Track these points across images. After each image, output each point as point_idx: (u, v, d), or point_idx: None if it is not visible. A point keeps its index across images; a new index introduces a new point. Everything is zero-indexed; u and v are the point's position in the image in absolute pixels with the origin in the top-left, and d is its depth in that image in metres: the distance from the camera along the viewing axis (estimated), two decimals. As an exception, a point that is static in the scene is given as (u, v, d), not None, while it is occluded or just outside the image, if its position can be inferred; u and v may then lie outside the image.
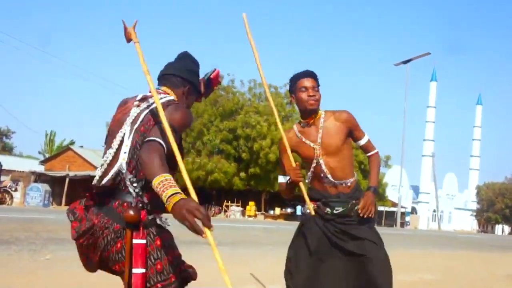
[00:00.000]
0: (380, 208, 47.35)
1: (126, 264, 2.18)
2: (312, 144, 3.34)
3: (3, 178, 19.91)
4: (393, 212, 47.59)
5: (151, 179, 2.01)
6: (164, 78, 2.57)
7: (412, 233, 27.25)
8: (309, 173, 3.42)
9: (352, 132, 3.44)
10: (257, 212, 32.50)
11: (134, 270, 2.16)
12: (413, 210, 64.77)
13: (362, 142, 3.54)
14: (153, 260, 2.21)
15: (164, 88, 2.52)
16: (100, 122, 78.91)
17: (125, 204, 2.21)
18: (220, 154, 31.92)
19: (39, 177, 31.51)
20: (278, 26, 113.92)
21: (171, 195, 1.93)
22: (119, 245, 2.20)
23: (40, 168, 34.44)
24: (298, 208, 37.13)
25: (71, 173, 30.52)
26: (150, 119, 2.33)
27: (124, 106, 2.45)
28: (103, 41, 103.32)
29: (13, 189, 19.97)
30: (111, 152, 2.33)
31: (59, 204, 29.54)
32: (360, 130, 3.50)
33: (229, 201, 32.84)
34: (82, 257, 2.40)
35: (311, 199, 3.39)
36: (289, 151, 3.35)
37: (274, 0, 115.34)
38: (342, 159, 3.40)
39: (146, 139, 2.20)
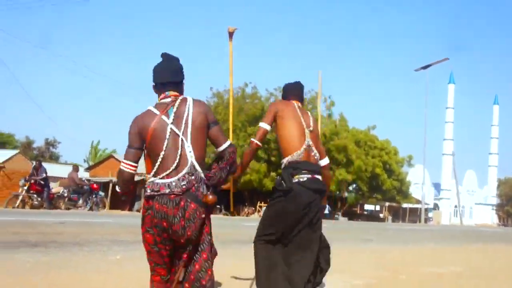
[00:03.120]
0: (404, 205, 47.18)
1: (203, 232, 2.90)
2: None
3: (51, 185, 20.63)
4: (416, 209, 47.39)
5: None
6: (173, 83, 3.02)
7: (437, 228, 27.22)
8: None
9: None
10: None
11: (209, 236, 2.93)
12: (435, 206, 64.19)
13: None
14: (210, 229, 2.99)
15: (173, 93, 3.00)
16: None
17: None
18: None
19: (85, 183, 32.30)
20: (299, 32, 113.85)
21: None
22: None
23: (85, 175, 35.32)
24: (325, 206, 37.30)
25: (114, 179, 31.23)
26: (191, 114, 2.91)
27: (149, 119, 2.90)
28: (146, 57, 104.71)
29: (65, 194, 20.61)
30: (175, 156, 2.84)
31: (103, 208, 30.25)
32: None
33: (262, 202, 33.20)
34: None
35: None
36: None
37: (293, 10, 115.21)
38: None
39: (212, 122, 2.96)
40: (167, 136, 2.86)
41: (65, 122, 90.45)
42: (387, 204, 45.21)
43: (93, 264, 5.87)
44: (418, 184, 45.23)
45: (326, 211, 36.73)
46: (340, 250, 9.65)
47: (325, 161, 3.98)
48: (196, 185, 2.85)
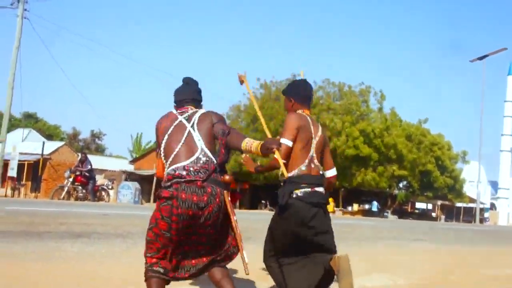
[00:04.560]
0: (458, 204, 46.15)
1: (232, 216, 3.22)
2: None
3: (96, 177, 21.23)
4: (471, 208, 46.22)
5: (239, 144, 3.14)
6: (191, 100, 3.50)
7: (494, 229, 26.54)
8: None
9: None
10: (335, 209, 32.62)
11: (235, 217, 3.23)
12: (492, 206, 62.44)
13: None
14: None
15: (191, 105, 3.47)
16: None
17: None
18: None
19: (129, 176, 33.10)
20: (350, 26, 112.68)
21: (258, 143, 3.08)
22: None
23: (130, 168, 36.14)
24: (374, 204, 36.94)
25: (159, 172, 31.81)
26: (200, 114, 3.36)
27: (163, 118, 3.41)
28: (187, 45, 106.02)
29: (110, 187, 21.15)
30: (185, 144, 3.22)
31: (148, 201, 30.87)
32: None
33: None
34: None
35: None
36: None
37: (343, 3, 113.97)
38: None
39: (228, 130, 3.24)
40: (172, 128, 3.31)
41: (110, 113, 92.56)
42: (439, 202, 44.30)
43: (136, 256, 6.01)
44: (473, 182, 44.04)
45: (375, 209, 36.53)
46: (389, 249, 9.58)
47: (331, 172, 3.96)
48: (213, 170, 3.16)
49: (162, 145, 3.29)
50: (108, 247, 6.38)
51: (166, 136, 3.28)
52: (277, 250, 3.73)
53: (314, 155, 3.77)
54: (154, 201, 31.49)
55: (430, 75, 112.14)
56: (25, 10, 23.33)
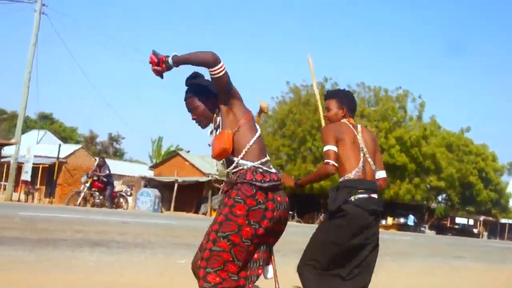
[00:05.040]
0: (503, 221, 45.35)
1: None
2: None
3: (114, 183, 21.45)
4: (517, 225, 45.45)
5: None
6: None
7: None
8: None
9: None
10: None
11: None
12: (541, 223, 61.29)
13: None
14: None
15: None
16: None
17: None
18: (324, 160, 31.99)
19: (149, 182, 33.36)
20: (381, 32, 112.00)
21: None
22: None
23: (150, 173, 36.41)
24: (410, 218, 36.55)
25: (180, 179, 31.96)
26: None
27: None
28: (214, 48, 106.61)
29: (129, 193, 21.37)
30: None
31: (168, 209, 31.03)
32: None
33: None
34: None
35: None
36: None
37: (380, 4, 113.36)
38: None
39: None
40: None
41: (130, 116, 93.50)
42: (482, 218, 43.65)
43: (156, 266, 6.08)
44: (520, 196, 43.31)
45: (412, 223, 36.16)
46: (424, 267, 9.48)
47: (381, 174, 3.94)
48: None
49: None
50: (127, 257, 6.46)
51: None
52: (323, 262, 3.68)
53: (369, 159, 3.78)
54: (175, 210, 31.77)
55: (475, 81, 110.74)
56: (44, 5, 23.75)
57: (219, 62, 2.94)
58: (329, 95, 4.04)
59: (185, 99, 3.26)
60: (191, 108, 3.23)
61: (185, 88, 3.29)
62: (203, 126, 3.25)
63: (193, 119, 3.25)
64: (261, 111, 3.70)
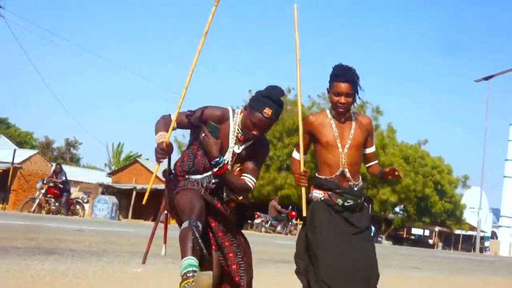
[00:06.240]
0: (457, 232, 46.29)
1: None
2: (337, 134, 3.74)
3: (70, 189, 21.10)
4: (470, 236, 46.41)
5: None
6: None
7: (494, 259, 26.62)
8: (321, 161, 3.81)
9: (367, 138, 3.88)
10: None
11: None
12: (493, 235, 62.78)
13: (370, 150, 3.98)
14: None
15: None
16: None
17: None
18: (289, 170, 32.18)
19: (107, 189, 32.89)
20: (347, 36, 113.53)
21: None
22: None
23: (107, 180, 35.91)
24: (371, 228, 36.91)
25: (138, 186, 31.62)
26: None
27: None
28: (173, 55, 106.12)
29: (85, 200, 21.01)
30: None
31: (126, 217, 30.66)
32: (372, 139, 3.97)
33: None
34: None
35: (322, 188, 3.76)
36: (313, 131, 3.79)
37: (345, 11, 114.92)
38: (359, 158, 3.86)
39: None
40: None
41: (86, 122, 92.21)
42: (437, 229, 44.44)
43: (112, 276, 5.96)
44: (474, 208, 44.24)
45: (371, 233, 36.49)
46: (382, 278, 9.54)
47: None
48: None
49: None
50: (82, 266, 6.30)
51: None
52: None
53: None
54: (133, 217, 31.36)
55: (431, 94, 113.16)
56: (0, 7, 23.30)
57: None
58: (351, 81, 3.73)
59: (275, 119, 3.53)
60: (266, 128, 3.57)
61: (271, 103, 3.52)
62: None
63: (255, 136, 3.56)
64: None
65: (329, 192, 3.73)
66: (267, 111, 3.46)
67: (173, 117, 3.55)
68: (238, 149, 3.59)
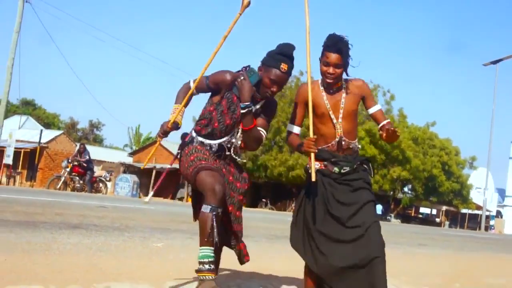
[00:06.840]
0: (463, 211, 46.09)
1: None
2: (329, 106, 3.65)
3: (94, 168, 21.28)
4: (476, 215, 46.23)
5: None
6: None
7: (499, 237, 26.51)
8: (316, 132, 3.67)
9: (364, 100, 3.74)
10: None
11: None
12: (498, 214, 62.41)
13: (373, 110, 3.79)
14: None
15: None
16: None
17: None
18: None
19: (128, 168, 33.14)
20: (359, 22, 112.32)
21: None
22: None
23: (129, 160, 36.17)
24: (378, 207, 36.87)
25: (158, 165, 31.83)
26: None
27: None
28: (192, 38, 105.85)
29: (108, 179, 21.19)
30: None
31: (146, 194, 30.86)
32: (372, 99, 3.79)
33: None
34: None
35: (318, 158, 3.65)
36: (311, 102, 3.58)
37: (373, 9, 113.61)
38: (354, 124, 3.74)
39: None
40: None
41: (110, 104, 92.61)
42: (444, 208, 44.28)
43: (133, 250, 6.04)
44: (480, 188, 43.96)
45: (379, 212, 36.47)
46: (390, 254, 9.58)
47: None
48: None
49: None
50: (105, 240, 6.40)
51: None
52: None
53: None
54: (153, 195, 31.33)
55: (440, 78, 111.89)
56: (27, -8, 23.35)
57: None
58: (340, 51, 3.59)
59: (290, 74, 3.66)
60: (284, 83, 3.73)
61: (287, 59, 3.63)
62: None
63: (273, 92, 3.68)
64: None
65: (325, 162, 3.69)
66: (283, 66, 3.57)
67: (192, 85, 3.79)
68: (253, 109, 3.73)
